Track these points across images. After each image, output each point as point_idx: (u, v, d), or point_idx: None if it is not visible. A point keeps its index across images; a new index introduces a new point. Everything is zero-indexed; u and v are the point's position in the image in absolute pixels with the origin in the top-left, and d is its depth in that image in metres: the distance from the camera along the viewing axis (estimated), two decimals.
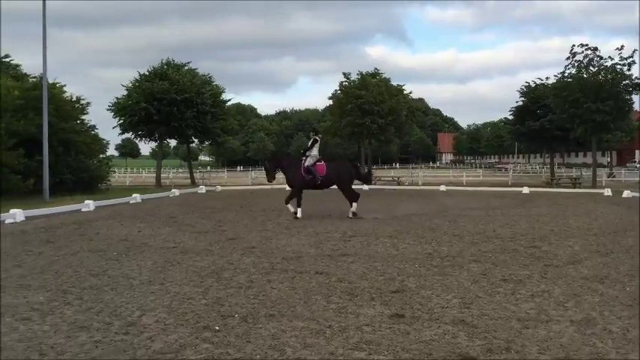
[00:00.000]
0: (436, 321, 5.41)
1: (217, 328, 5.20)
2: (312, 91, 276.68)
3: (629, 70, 28.76)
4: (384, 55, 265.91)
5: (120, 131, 36.94)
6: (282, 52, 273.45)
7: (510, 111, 38.98)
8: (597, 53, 29.47)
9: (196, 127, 36.01)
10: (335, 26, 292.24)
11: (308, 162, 15.49)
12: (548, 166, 47.54)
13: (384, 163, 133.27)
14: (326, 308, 5.84)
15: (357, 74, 39.41)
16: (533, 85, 37.41)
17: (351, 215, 14.78)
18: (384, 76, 39.97)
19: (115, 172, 42.93)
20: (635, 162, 67.92)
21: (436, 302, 6.07)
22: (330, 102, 41.43)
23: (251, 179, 45.88)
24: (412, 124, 46.22)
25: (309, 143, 16.11)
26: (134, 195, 21.69)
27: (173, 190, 26.23)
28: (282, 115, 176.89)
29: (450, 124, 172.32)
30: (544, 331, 5.18)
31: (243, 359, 4.53)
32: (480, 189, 30.23)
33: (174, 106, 34.57)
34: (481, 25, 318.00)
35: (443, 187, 30.19)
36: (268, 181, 15.99)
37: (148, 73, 36.09)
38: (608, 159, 70.71)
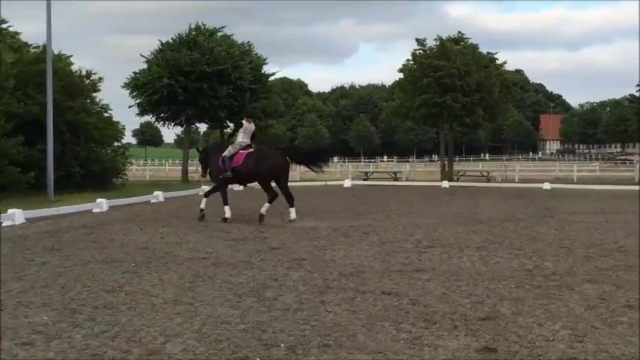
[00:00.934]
0: (538, 357, 5.31)
1: (259, 359, 5.27)
2: (376, 62, 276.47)
3: None
4: (469, 16, 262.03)
5: (138, 112, 37.87)
6: (340, 12, 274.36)
7: (638, 86, 37.91)
8: None
9: (232, 107, 36.49)
10: None
11: (227, 151, 15.82)
12: None
13: (469, 153, 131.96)
14: (395, 338, 5.81)
15: (435, 40, 39.12)
16: None
17: (288, 220, 14.96)
18: (469, 41, 39.53)
19: (132, 163, 44.19)
20: None
21: (538, 333, 5.95)
22: (400, 76, 41.25)
23: (299, 173, 46.19)
24: (507, 103, 45.34)
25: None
26: (156, 192, 22.20)
27: (203, 186, 26.60)
28: (339, 93, 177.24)
29: (557, 103, 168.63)
30: None
31: None
32: (597, 187, 29.48)
33: (205, 81, 35.19)
34: None
35: (547, 185, 29.65)
36: (202, 175, 17.22)
37: (172, 41, 36.93)
38: None
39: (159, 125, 43.62)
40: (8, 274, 8.54)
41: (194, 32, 37.33)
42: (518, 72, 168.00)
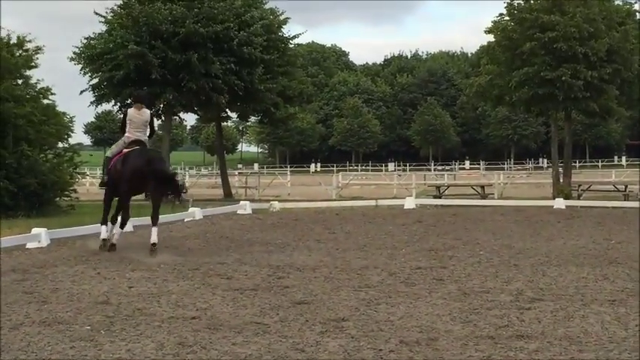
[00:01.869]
0: None
1: None
2: (451, 19, 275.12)
3: None
4: None
5: (93, 99, 38.08)
6: None
7: None
8: None
9: (234, 88, 36.53)
10: None
11: (109, 151, 17.70)
12: None
13: (596, 156, 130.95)
14: None
15: None
16: None
17: (106, 245, 16.79)
18: None
19: (85, 174, 44.41)
20: None
21: None
22: (489, 39, 41.10)
23: (336, 189, 46.29)
24: None
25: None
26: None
27: (192, 208, 26.84)
28: (396, 66, 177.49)
29: None
30: None
31: None
32: None
33: (194, 49, 35.17)
34: None
35: None
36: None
37: None
38: None
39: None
40: None
41: None
42: None
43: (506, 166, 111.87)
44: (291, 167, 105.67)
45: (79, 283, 12.60)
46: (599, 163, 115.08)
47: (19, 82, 28.89)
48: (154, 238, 16.32)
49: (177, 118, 44.91)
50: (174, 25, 34.86)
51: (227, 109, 41.00)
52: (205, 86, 35.61)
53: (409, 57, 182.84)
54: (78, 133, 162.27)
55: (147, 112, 17.78)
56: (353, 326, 9.31)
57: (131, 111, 17.47)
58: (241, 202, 31.98)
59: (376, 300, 10.97)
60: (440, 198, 37.97)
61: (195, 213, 26.07)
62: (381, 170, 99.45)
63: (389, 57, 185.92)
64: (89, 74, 36.94)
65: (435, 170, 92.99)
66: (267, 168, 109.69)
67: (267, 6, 40.15)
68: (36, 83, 29.92)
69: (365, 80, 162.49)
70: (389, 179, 59.93)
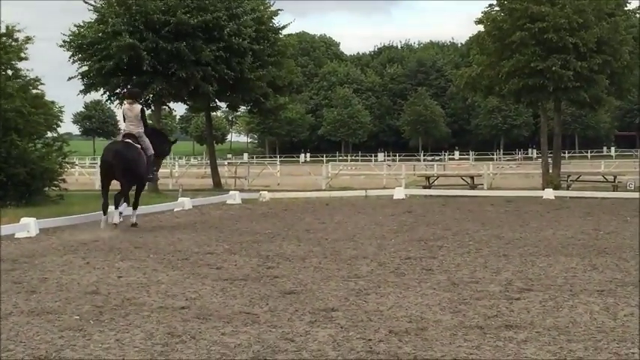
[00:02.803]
0: None
1: None
2: (442, 10, 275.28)
3: None
4: None
5: (83, 87, 37.96)
6: None
7: None
8: None
9: (224, 78, 36.51)
10: None
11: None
12: None
13: (585, 146, 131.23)
14: None
15: None
16: None
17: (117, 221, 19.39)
18: None
19: (74, 164, 44.36)
20: None
21: None
22: (479, 29, 41.09)
23: (326, 179, 46.29)
24: None
25: None
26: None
27: (181, 198, 26.81)
28: (387, 56, 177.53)
29: None
30: None
31: None
32: None
33: (184, 39, 35.16)
34: None
35: None
36: None
37: None
38: None
39: (113, 106, 43.83)
40: None
41: None
42: None
43: (495, 156, 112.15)
44: (280, 157, 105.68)
45: (68, 272, 12.58)
46: (589, 154, 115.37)
47: (9, 72, 28.73)
48: (133, 220, 20.35)
49: (167, 107, 44.80)
50: (165, 15, 34.78)
51: (216, 99, 40.87)
52: (195, 75, 35.58)
53: (399, 47, 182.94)
54: (67, 122, 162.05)
55: (137, 107, 20.06)
56: (342, 316, 9.31)
57: (124, 106, 19.98)
58: (231, 192, 31.93)
59: (365, 290, 10.98)
60: (429, 188, 38.02)
61: (185, 203, 26.05)
62: (371, 160, 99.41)
63: (379, 47, 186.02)
64: (78, 62, 36.76)
65: (424, 160, 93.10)
66: (256, 158, 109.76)
67: None
68: (26, 74, 29.82)
69: (355, 70, 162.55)
70: (378, 169, 59.95)
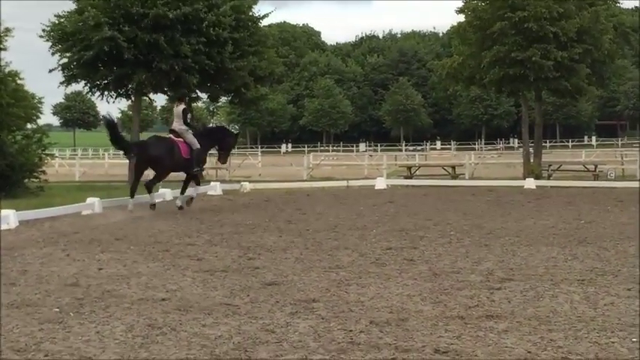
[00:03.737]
0: None
1: None
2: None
3: None
4: None
5: (63, 79, 37.81)
6: None
7: None
8: None
9: (205, 69, 36.44)
10: None
11: None
12: None
13: (567, 136, 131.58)
14: None
15: None
16: None
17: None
18: None
19: (54, 156, 44.18)
20: None
21: None
22: (460, 19, 41.10)
23: (307, 169, 46.25)
24: (624, 58, 45.12)
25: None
26: (90, 200, 22.23)
27: (162, 190, 26.75)
28: (368, 46, 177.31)
29: None
30: None
31: None
32: None
33: (163, 31, 35.06)
34: None
35: None
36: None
37: None
38: None
39: (94, 98, 43.59)
40: None
41: None
42: None
43: (477, 146, 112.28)
44: (262, 148, 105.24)
45: (48, 265, 12.56)
46: (570, 143, 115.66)
47: None
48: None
49: (147, 98, 44.61)
50: (143, 8, 34.66)
51: (197, 90, 40.70)
52: (175, 66, 35.48)
53: (381, 37, 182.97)
54: (46, 113, 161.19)
55: (181, 107, 22.92)
56: (323, 307, 9.32)
57: (174, 106, 23.44)
58: (212, 183, 31.93)
59: (347, 281, 10.99)
60: (411, 178, 38.05)
61: (166, 194, 26.00)
62: (352, 150, 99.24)
63: (361, 37, 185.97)
64: (58, 53, 36.56)
65: (406, 150, 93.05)
66: (237, 148, 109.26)
67: None
68: (5, 66, 29.69)
69: (336, 60, 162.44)
70: (360, 160, 59.97)
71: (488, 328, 8.25)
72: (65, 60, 36.37)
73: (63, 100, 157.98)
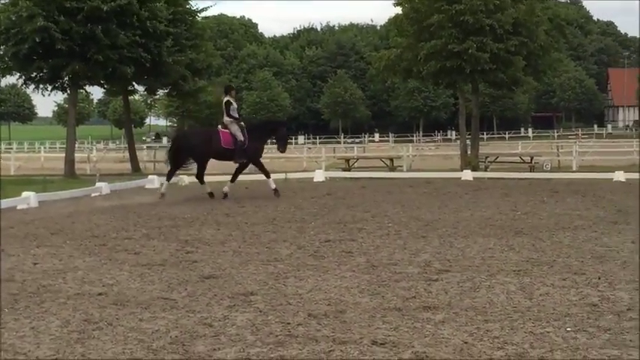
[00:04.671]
0: None
1: None
2: None
3: None
4: None
5: None
6: None
7: None
8: None
9: (141, 61, 36.22)
10: None
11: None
12: None
13: (503, 127, 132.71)
14: None
15: None
16: None
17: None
18: None
19: None
20: None
21: None
22: (398, 11, 41.26)
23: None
24: (559, 51, 45.54)
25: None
26: (25, 194, 22.00)
27: (99, 183, 26.53)
28: (306, 38, 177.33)
29: (635, 50, 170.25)
30: None
31: None
32: None
33: (98, 23, 34.78)
34: None
35: (620, 176, 29.83)
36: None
37: None
38: None
39: (29, 91, 43.16)
40: None
41: None
42: (576, 5, 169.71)
43: (415, 138, 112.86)
44: None
45: None
46: (507, 135, 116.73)
47: None
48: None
49: (84, 91, 44.25)
50: (77, 2, 34.36)
51: (134, 82, 40.54)
52: (112, 58, 35.25)
53: (319, 29, 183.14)
54: None
55: (224, 100, 23.73)
56: (261, 300, 9.33)
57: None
58: (150, 176, 31.71)
59: (285, 274, 11.01)
60: (349, 171, 38.10)
61: (103, 188, 25.80)
62: (291, 143, 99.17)
63: (299, 29, 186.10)
64: None
65: (344, 143, 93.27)
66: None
67: None
68: None
69: (274, 53, 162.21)
70: (298, 152, 59.88)
71: (426, 320, 8.30)
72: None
73: None
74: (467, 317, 8.39)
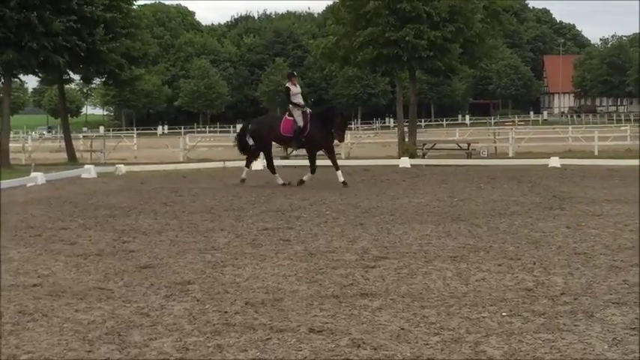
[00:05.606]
0: None
1: None
2: None
3: None
4: None
5: None
6: None
7: None
8: None
9: (76, 49, 35.89)
10: None
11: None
12: None
13: (441, 115, 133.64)
14: None
15: None
16: None
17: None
18: None
19: None
20: None
21: None
22: None
23: (184, 150, 45.96)
24: (495, 37, 45.95)
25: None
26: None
27: (34, 173, 26.26)
28: (244, 26, 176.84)
29: (569, 37, 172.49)
30: None
31: None
32: (627, 163, 30.16)
33: (32, 9, 34.40)
34: None
35: (555, 161, 30.18)
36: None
37: None
38: None
39: None
40: None
41: None
42: None
43: (353, 125, 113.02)
44: (137, 130, 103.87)
45: None
46: (444, 122, 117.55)
47: None
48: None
49: (18, 80, 43.82)
50: None
51: (69, 71, 40.17)
52: (45, 45, 34.91)
53: (256, 17, 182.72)
54: None
55: (285, 86, 24.71)
56: (199, 289, 9.32)
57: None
58: (86, 165, 31.48)
59: (222, 262, 11.00)
60: (288, 159, 38.05)
61: (38, 178, 25.52)
62: (230, 132, 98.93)
63: (236, 17, 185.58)
64: None
65: None
66: (113, 131, 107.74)
67: None
68: None
69: (212, 41, 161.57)
70: (233, 140, 59.67)
71: (363, 306, 8.34)
72: None
73: None
74: (404, 304, 8.44)
